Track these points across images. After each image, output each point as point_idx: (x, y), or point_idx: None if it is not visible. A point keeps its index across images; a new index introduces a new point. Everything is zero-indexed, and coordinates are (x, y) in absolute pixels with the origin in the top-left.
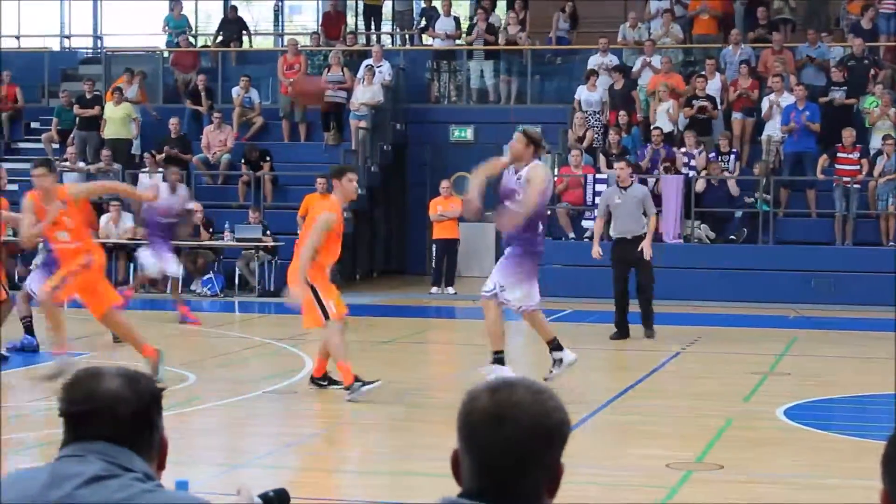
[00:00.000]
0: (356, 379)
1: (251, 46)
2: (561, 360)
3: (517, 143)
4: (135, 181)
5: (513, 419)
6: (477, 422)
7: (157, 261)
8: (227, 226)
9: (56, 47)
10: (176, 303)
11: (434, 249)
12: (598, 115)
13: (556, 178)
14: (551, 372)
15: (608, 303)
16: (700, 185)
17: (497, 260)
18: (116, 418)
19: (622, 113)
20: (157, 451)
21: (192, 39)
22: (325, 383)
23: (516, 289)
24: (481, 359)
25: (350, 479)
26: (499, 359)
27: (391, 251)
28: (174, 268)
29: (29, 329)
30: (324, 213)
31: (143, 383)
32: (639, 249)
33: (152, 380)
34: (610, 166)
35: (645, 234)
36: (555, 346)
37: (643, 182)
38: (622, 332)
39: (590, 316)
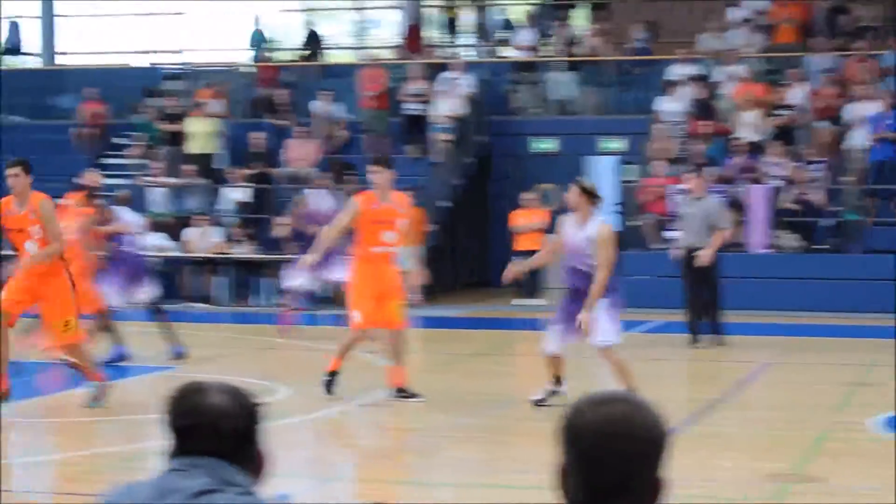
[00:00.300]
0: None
1: (328, 61)
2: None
3: (572, 194)
4: (216, 195)
5: (620, 433)
6: (584, 436)
7: (320, 271)
8: None
9: (139, 64)
10: (281, 315)
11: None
12: (679, 126)
13: (639, 189)
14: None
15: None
16: (790, 197)
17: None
18: (221, 433)
19: (704, 123)
20: (258, 466)
21: (273, 54)
22: (406, 395)
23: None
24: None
25: (440, 493)
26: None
27: (475, 263)
28: (341, 273)
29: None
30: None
31: (246, 398)
32: (695, 255)
33: (254, 395)
34: None
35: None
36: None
37: (724, 192)
38: (698, 339)
39: (675, 327)
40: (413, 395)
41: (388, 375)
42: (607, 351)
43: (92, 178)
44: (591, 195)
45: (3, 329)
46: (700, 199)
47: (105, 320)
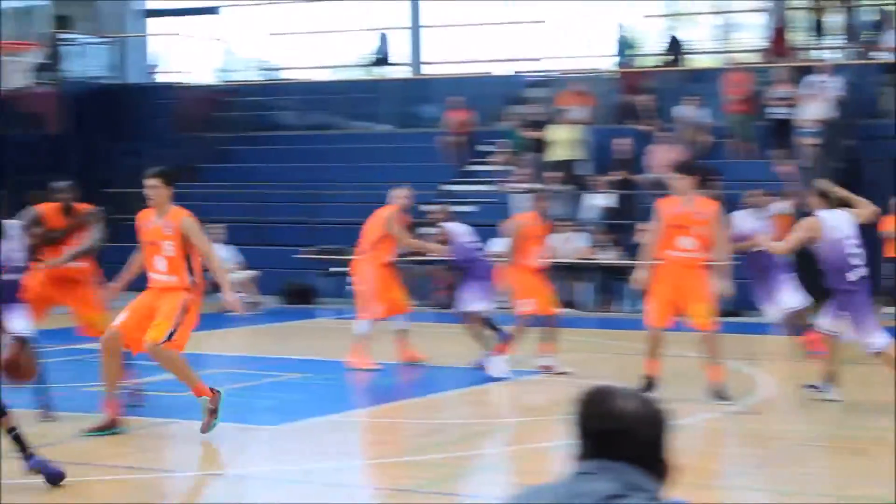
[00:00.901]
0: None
1: (692, 66)
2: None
3: (809, 194)
4: (580, 201)
5: None
6: None
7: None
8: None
9: (502, 72)
10: (802, 329)
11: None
12: None
13: None
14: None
15: None
16: None
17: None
18: (633, 438)
19: None
20: (664, 472)
21: (636, 59)
22: (721, 397)
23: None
24: None
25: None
26: None
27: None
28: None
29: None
30: None
31: (656, 404)
32: None
33: (661, 401)
34: None
35: None
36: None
37: None
38: None
39: None
40: (727, 399)
41: (708, 374)
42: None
43: (441, 210)
44: (822, 195)
45: (115, 354)
46: None
47: (476, 326)
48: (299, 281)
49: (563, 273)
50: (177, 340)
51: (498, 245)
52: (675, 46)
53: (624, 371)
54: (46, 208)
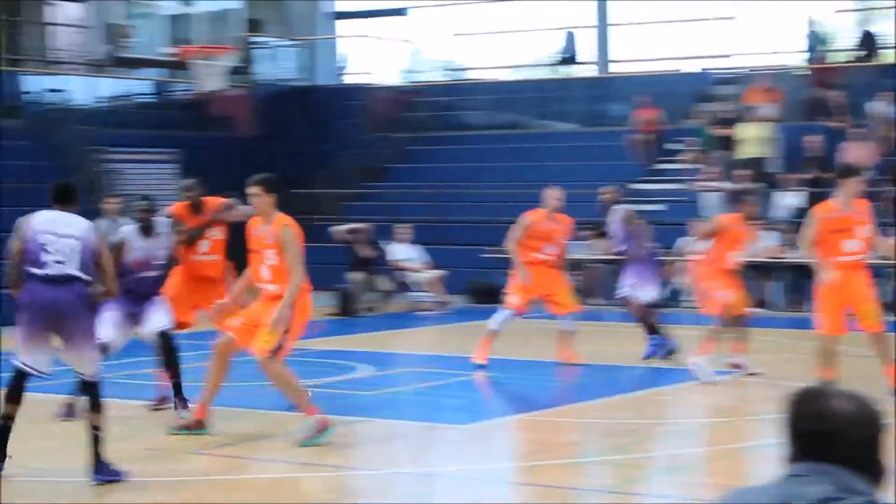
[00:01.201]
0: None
1: (885, 61)
2: None
3: None
4: (770, 199)
5: None
6: None
7: None
8: None
9: (690, 69)
10: None
11: None
12: None
13: None
14: None
15: None
16: None
17: None
18: (847, 440)
19: None
20: (878, 474)
21: (827, 55)
22: None
23: None
24: None
25: None
26: None
27: None
28: None
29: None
30: None
31: (869, 406)
32: None
33: (878, 403)
34: None
35: None
36: None
37: None
38: None
39: None
40: None
41: (885, 376)
42: None
43: (611, 191)
44: None
45: (223, 358)
46: None
47: (647, 316)
48: (485, 280)
49: (754, 272)
50: (282, 351)
51: (686, 243)
52: (868, 41)
53: (815, 371)
54: (176, 208)
